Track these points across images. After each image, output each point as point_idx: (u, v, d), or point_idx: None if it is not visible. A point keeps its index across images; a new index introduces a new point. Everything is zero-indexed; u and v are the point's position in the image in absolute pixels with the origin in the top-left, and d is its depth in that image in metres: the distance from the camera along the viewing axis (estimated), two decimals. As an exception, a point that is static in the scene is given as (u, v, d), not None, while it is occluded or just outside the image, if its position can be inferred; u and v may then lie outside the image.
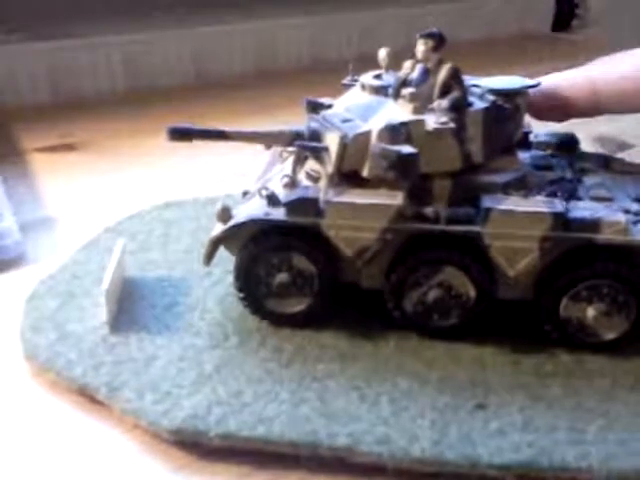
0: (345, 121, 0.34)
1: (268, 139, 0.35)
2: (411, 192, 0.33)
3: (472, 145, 0.33)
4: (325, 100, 0.37)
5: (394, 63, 0.36)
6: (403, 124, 0.32)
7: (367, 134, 0.33)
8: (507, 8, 1.00)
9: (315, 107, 0.37)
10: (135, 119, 0.65)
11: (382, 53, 0.37)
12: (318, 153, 0.34)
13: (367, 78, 0.36)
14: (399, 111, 0.33)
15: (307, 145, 0.34)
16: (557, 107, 0.39)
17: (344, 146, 0.33)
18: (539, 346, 0.34)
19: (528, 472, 0.28)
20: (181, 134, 0.33)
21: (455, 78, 0.33)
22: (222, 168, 0.54)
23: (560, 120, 0.40)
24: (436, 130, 0.32)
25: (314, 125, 0.34)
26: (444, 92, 0.33)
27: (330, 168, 0.33)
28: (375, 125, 0.33)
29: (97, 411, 0.31)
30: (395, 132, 0.32)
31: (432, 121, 0.32)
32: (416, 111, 0.33)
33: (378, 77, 0.36)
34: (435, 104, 0.33)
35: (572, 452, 0.28)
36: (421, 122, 0.32)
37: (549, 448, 0.28)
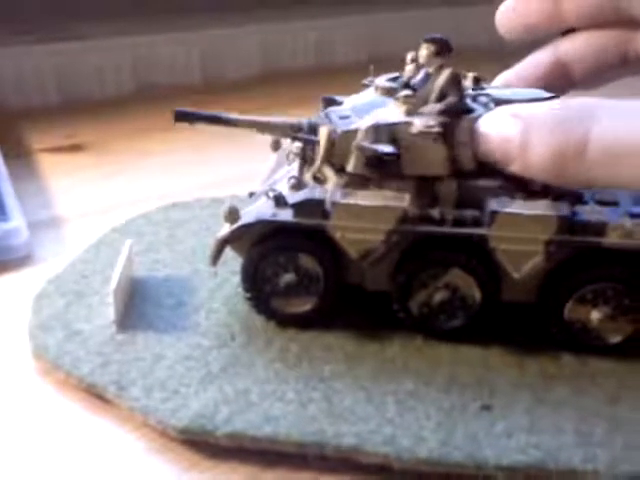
0: (343, 117, 0.35)
1: (267, 128, 0.36)
2: (417, 194, 0.33)
3: (463, 152, 0.33)
4: (340, 98, 0.38)
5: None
6: (390, 124, 0.33)
7: (354, 131, 0.33)
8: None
9: (330, 103, 0.37)
10: (142, 120, 0.65)
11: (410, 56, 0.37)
12: (312, 146, 0.35)
13: (381, 79, 0.36)
14: (393, 112, 0.34)
15: (300, 137, 0.35)
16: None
17: (331, 141, 0.33)
18: (544, 348, 0.34)
19: (535, 474, 0.28)
20: (185, 117, 0.35)
21: (453, 83, 0.33)
22: (228, 169, 0.55)
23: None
24: (421, 133, 0.32)
25: (314, 119, 0.35)
26: (441, 97, 0.33)
27: (318, 161, 0.34)
28: (363, 123, 0.33)
29: (105, 409, 0.31)
30: (380, 131, 0.33)
31: (419, 124, 0.33)
32: (408, 113, 0.33)
33: (395, 79, 0.37)
34: (427, 107, 0.33)
35: (578, 455, 0.28)
36: (409, 124, 0.33)
37: (555, 450, 0.28)
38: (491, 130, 0.31)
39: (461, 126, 0.33)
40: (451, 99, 0.33)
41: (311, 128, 0.35)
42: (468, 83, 0.36)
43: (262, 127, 0.37)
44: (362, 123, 0.33)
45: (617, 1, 0.36)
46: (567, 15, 0.37)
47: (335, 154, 0.34)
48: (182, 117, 0.35)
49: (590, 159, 0.28)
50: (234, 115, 0.36)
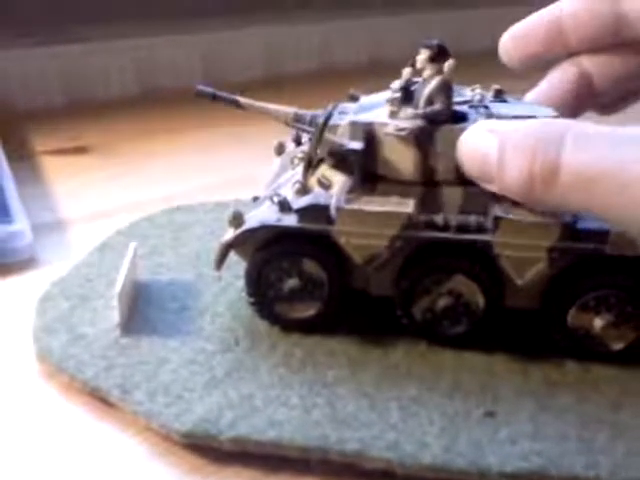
0: (341, 113, 0.36)
1: (273, 114, 0.38)
2: (422, 200, 0.33)
3: (440, 161, 0.33)
4: (363, 96, 0.39)
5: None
6: (366, 123, 0.34)
7: (338, 126, 0.34)
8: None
9: (354, 100, 0.38)
10: (146, 122, 0.65)
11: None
12: (309, 136, 0.37)
13: (397, 82, 0.37)
14: (381, 113, 0.34)
15: (299, 127, 0.38)
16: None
17: (321, 133, 0.35)
18: (548, 355, 0.34)
19: (537, 481, 0.28)
20: (205, 94, 0.38)
21: (442, 91, 0.33)
22: (233, 172, 0.55)
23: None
24: (390, 135, 0.33)
25: (318, 112, 0.37)
26: (429, 103, 0.33)
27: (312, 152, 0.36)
28: (346, 120, 0.34)
29: (108, 413, 0.31)
30: (356, 129, 0.33)
31: (391, 125, 0.33)
32: (392, 115, 0.34)
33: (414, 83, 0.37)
34: (406, 111, 0.33)
35: (581, 461, 0.28)
36: (384, 125, 0.33)
37: (558, 457, 0.28)
38: (468, 145, 0.31)
39: (441, 135, 0.33)
40: (435, 106, 0.33)
41: (312, 120, 0.37)
42: (489, 95, 0.36)
43: (268, 113, 0.38)
44: (345, 120, 0.34)
45: (620, 25, 0.36)
46: (570, 41, 0.38)
47: (322, 146, 0.35)
48: (203, 93, 0.38)
49: (562, 183, 0.28)
50: (247, 100, 0.38)
